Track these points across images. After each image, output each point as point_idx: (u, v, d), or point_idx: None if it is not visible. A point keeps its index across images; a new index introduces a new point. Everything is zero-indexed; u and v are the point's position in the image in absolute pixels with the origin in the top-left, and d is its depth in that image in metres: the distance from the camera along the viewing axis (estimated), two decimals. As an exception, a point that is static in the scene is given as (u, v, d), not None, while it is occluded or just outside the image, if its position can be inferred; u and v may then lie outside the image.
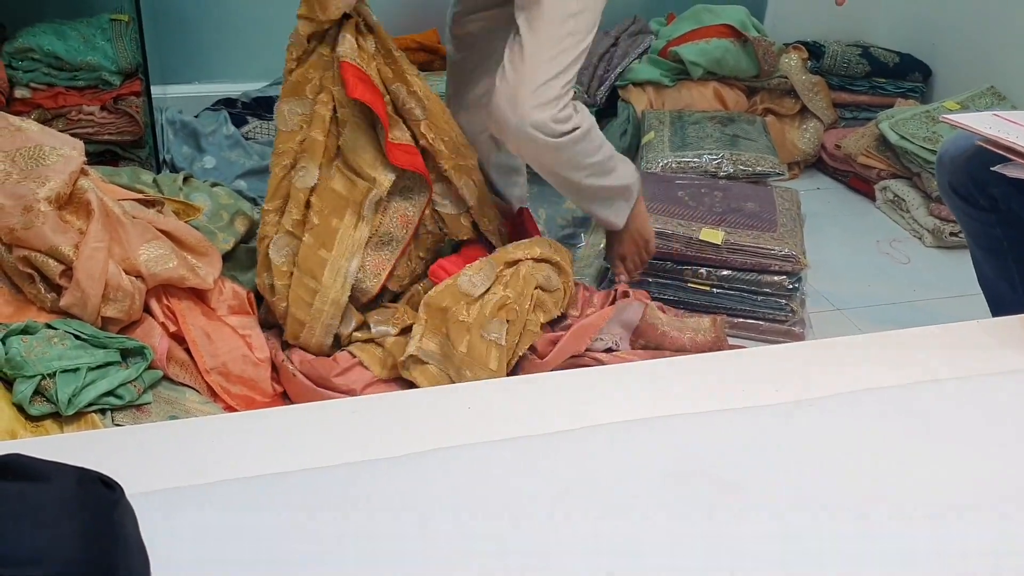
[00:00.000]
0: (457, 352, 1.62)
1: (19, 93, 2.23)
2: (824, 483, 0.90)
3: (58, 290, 1.58)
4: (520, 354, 1.70)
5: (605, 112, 2.77)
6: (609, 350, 1.77)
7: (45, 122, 2.23)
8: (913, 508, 0.88)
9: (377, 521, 0.82)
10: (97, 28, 2.32)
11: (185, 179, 2.10)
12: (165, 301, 1.67)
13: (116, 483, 0.61)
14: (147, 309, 1.66)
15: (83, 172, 1.67)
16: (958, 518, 0.87)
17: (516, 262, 1.75)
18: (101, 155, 2.32)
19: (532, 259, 1.76)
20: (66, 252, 1.55)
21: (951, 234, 2.40)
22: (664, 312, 1.85)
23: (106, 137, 2.29)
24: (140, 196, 1.79)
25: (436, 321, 1.65)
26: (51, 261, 1.56)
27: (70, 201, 1.62)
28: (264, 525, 0.80)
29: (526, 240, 1.83)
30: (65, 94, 2.26)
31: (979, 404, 1.03)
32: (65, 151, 1.65)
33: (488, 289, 1.69)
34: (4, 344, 1.45)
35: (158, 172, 2.26)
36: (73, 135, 2.21)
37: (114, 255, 1.60)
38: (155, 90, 2.36)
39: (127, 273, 1.60)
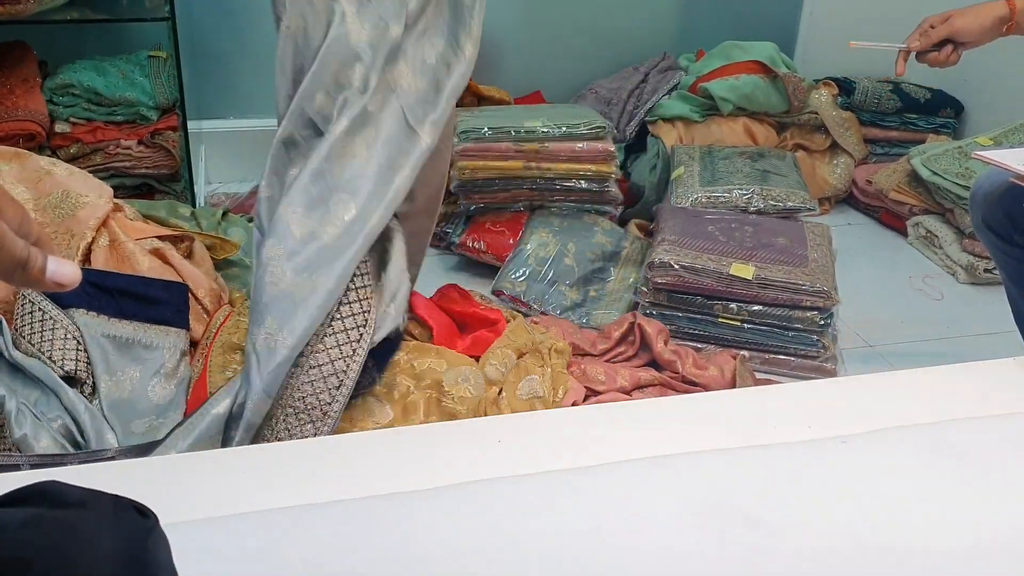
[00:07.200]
0: None
1: (59, 127, 2.28)
2: (857, 521, 0.89)
3: None
4: (561, 397, 1.70)
5: (635, 147, 2.78)
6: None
7: (83, 156, 2.27)
8: (948, 548, 0.86)
9: (408, 553, 0.82)
10: (136, 64, 2.37)
11: (224, 213, 2.13)
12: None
13: (150, 511, 0.61)
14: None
15: (114, 208, 1.68)
16: (994, 558, 0.85)
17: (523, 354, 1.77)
18: (137, 188, 2.36)
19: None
20: None
21: (986, 270, 2.37)
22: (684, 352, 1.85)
23: (143, 171, 2.33)
24: (168, 232, 1.80)
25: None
26: None
27: (89, 248, 1.63)
28: (295, 556, 0.80)
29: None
30: (104, 129, 2.30)
31: (1016, 442, 1.01)
32: (91, 198, 1.65)
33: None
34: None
35: (193, 205, 2.29)
36: (110, 169, 2.28)
37: None
38: (191, 125, 2.40)
39: None
